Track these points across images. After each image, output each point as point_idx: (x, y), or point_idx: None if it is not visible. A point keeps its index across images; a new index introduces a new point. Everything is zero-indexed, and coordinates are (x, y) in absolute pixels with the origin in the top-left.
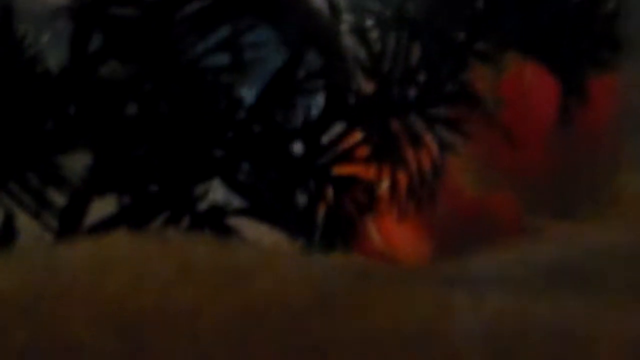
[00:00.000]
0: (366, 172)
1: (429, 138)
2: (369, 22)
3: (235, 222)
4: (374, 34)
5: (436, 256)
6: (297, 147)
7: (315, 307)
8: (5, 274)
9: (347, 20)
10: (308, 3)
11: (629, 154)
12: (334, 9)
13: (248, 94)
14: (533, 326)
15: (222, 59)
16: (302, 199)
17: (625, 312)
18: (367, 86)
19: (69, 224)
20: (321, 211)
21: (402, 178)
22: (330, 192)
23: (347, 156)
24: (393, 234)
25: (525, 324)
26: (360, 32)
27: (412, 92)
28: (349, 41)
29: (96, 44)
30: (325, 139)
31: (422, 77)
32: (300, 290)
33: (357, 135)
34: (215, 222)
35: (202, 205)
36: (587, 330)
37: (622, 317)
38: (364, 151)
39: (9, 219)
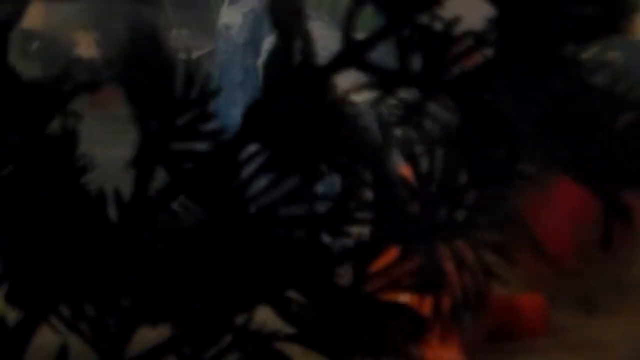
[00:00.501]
0: (411, 298)
1: (474, 263)
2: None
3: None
4: (419, 149)
5: None
6: (345, 272)
7: None
8: None
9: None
10: (370, 142)
11: None
12: (388, 133)
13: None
14: None
15: (291, 209)
16: (348, 324)
17: None
18: (414, 207)
19: (117, 350)
20: (367, 337)
21: (447, 302)
22: (376, 318)
23: (394, 284)
24: (431, 349)
25: None
26: (409, 154)
27: (459, 216)
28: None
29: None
30: (373, 266)
31: (469, 200)
32: None
33: (404, 263)
34: (264, 346)
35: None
36: None
37: None
38: (409, 278)
39: (64, 350)
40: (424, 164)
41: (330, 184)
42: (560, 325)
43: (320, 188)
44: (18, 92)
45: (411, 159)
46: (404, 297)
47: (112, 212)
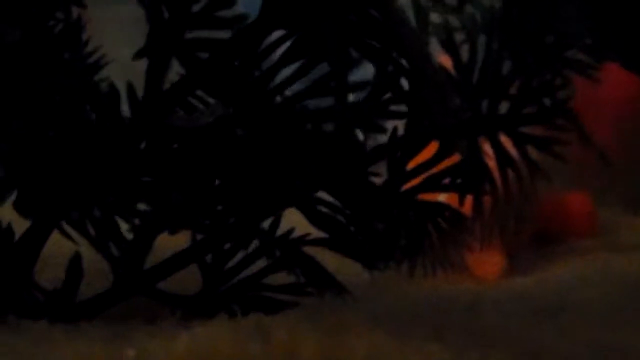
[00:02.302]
0: (450, 198)
1: (519, 159)
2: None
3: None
4: (460, 38)
5: (518, 267)
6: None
7: None
8: None
9: (432, 21)
10: (407, 25)
11: None
12: (424, 17)
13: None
14: None
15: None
16: (383, 227)
17: None
18: (454, 99)
19: (135, 261)
20: (403, 240)
21: (488, 201)
22: (414, 220)
23: (433, 183)
24: (472, 253)
25: None
26: (447, 41)
27: (501, 108)
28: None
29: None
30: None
31: (513, 90)
32: None
33: (444, 160)
34: (292, 250)
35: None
36: None
37: None
38: (449, 177)
39: (77, 259)
40: (465, 53)
41: (363, 72)
42: (608, 226)
43: (352, 77)
44: None
45: (450, 46)
46: (444, 197)
47: (125, 110)
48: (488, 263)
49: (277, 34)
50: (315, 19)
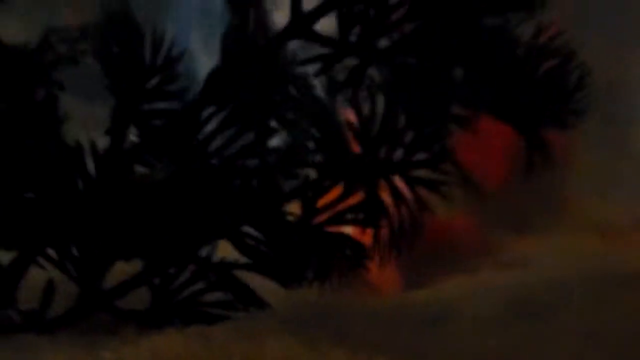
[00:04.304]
0: (355, 230)
1: (410, 197)
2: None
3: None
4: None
5: (411, 283)
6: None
7: None
8: None
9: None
10: (316, 99)
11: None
12: (334, 85)
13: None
14: None
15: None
16: (297, 253)
17: None
18: (356, 148)
19: (96, 283)
20: (314, 264)
21: (385, 232)
22: (323, 248)
23: (339, 218)
24: (374, 271)
25: None
26: (352, 98)
27: (396, 155)
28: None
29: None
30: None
31: (407, 140)
32: None
33: (349, 198)
34: (224, 274)
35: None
36: None
37: None
38: (354, 213)
39: (50, 287)
40: (366, 110)
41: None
42: (493, 245)
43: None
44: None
45: (355, 104)
46: (348, 229)
47: (91, 165)
48: (387, 280)
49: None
50: (243, 98)
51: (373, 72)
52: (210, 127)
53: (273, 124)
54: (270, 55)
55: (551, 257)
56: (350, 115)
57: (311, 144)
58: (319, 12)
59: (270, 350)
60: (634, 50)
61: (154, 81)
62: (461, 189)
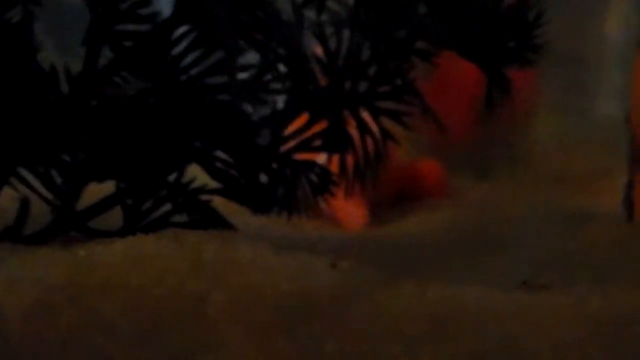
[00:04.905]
0: (321, 158)
1: (374, 128)
2: (324, 19)
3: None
4: (329, 30)
5: (374, 220)
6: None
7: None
8: (55, 268)
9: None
10: (284, 23)
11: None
12: (300, 16)
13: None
14: None
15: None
16: (266, 179)
17: None
18: (323, 80)
19: (70, 204)
20: (281, 190)
21: (350, 161)
22: (290, 174)
23: (306, 145)
24: (340, 205)
25: None
26: (318, 32)
27: (361, 87)
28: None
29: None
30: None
31: (371, 73)
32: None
33: (316, 128)
34: (194, 199)
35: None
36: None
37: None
38: (321, 141)
39: (25, 204)
40: (333, 44)
41: (249, 58)
42: (456, 189)
43: (240, 61)
44: None
45: (321, 38)
46: (321, 159)
47: (64, 86)
48: (353, 215)
49: (184, 28)
50: (214, 17)
51: (338, 6)
52: (181, 47)
53: (243, 44)
54: None
55: (510, 201)
56: (317, 49)
57: (280, 69)
58: None
59: (241, 252)
60: (591, 22)
61: (126, 4)
62: (423, 124)
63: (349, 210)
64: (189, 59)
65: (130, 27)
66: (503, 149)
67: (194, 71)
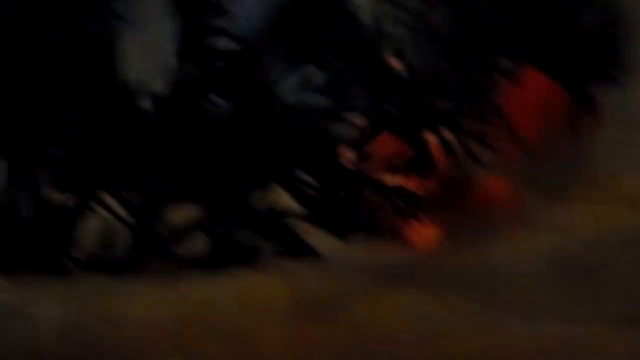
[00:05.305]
0: (405, 180)
1: (459, 149)
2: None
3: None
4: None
5: (449, 242)
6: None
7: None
8: (164, 304)
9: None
10: (369, 40)
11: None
12: (381, 33)
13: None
14: None
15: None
16: (348, 201)
17: None
18: (406, 99)
19: (153, 228)
20: (364, 213)
21: (433, 185)
22: (374, 197)
23: (390, 167)
24: (413, 226)
25: None
26: (400, 51)
27: (445, 106)
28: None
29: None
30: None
31: (455, 92)
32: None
33: (398, 148)
34: (276, 223)
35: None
36: None
37: None
38: (403, 162)
39: (109, 230)
40: (415, 59)
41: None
42: (529, 208)
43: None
44: None
45: (401, 54)
46: (398, 179)
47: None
48: (426, 236)
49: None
50: (306, 37)
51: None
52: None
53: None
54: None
55: (590, 224)
56: (396, 64)
57: (361, 89)
58: None
59: (351, 287)
60: None
61: (217, 21)
62: (506, 144)
63: (423, 232)
64: (276, 78)
65: (220, 44)
66: (574, 168)
67: (281, 91)
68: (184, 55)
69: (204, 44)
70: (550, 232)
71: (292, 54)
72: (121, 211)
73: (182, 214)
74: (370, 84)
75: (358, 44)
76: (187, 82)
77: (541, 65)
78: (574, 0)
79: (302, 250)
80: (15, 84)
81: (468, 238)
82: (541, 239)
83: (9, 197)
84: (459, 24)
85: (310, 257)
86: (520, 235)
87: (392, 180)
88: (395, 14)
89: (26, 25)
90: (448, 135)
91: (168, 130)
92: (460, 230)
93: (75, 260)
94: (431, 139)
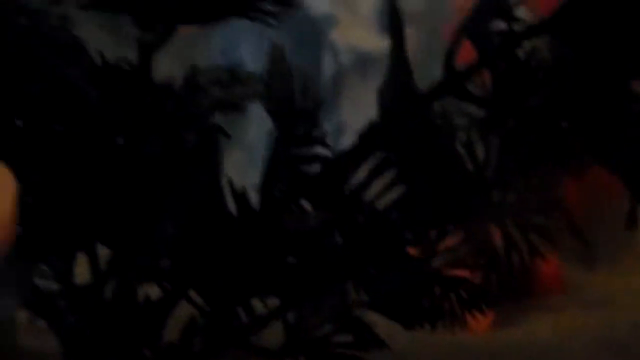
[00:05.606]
0: (469, 272)
1: (521, 243)
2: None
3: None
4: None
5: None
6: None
7: None
8: None
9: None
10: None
11: None
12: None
13: None
14: None
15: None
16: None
17: None
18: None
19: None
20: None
21: (495, 276)
22: (438, 290)
23: (456, 261)
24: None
25: None
26: (467, 145)
27: (510, 199)
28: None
29: None
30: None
31: (519, 185)
32: None
33: (464, 241)
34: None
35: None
36: None
37: None
38: (468, 255)
39: (193, 323)
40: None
41: None
42: (570, 282)
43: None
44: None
45: (469, 147)
46: (461, 272)
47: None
48: (479, 319)
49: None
50: (401, 150)
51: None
52: (361, 176)
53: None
54: (427, 109)
55: (631, 296)
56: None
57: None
58: (471, 70)
59: None
60: None
61: (302, 127)
62: (568, 237)
63: (481, 318)
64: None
65: (309, 152)
66: (608, 234)
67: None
68: (277, 163)
69: (298, 153)
70: (592, 308)
71: (388, 162)
72: (202, 302)
73: (260, 304)
74: (439, 180)
75: (443, 159)
76: (279, 191)
77: (602, 160)
78: (634, 97)
79: (371, 343)
80: (118, 191)
81: (517, 318)
82: (585, 314)
83: (102, 286)
84: (521, 118)
85: (378, 348)
86: (562, 311)
87: (457, 272)
88: (461, 107)
89: (124, 134)
90: (512, 228)
91: (257, 236)
92: (511, 310)
93: (157, 350)
94: (496, 232)
